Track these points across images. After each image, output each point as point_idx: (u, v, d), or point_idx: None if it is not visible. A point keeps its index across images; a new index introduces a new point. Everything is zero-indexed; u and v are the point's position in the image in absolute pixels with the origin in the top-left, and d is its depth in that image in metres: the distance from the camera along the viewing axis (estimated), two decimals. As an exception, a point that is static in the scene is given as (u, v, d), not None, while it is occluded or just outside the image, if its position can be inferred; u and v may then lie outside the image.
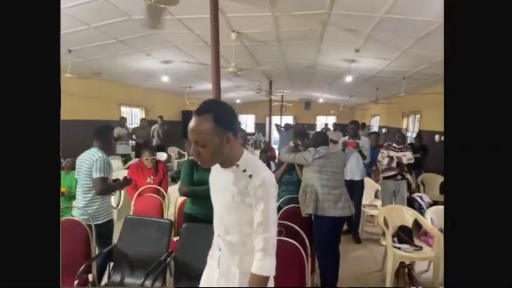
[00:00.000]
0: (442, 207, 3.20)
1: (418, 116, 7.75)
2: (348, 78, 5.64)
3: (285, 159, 2.85)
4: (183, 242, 2.06)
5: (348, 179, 3.29)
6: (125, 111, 8.17)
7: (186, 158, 8.40)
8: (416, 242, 2.90)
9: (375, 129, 11.26)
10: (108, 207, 2.45)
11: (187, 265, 1.96)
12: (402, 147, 3.71)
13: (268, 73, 7.04)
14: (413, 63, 4.77)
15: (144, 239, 2.18)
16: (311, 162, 2.58)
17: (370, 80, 6.42)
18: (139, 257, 2.14)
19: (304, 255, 1.83)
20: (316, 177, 2.56)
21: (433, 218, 3.02)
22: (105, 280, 2.33)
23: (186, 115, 10.93)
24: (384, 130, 10.24)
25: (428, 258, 2.86)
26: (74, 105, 5.72)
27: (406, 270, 2.87)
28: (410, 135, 8.00)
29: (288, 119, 12.10)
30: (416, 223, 3.07)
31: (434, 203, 3.95)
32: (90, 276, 2.16)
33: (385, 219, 3.00)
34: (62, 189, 3.10)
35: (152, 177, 3.22)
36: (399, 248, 2.77)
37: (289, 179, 3.03)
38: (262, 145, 12.12)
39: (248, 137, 10.56)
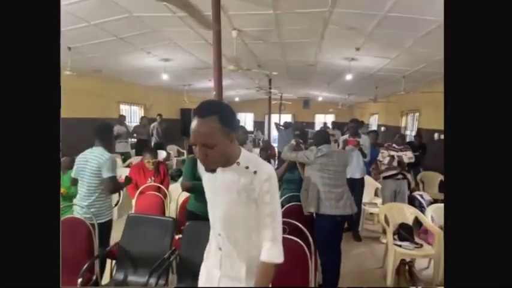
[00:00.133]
0: (441, 205, 3.23)
1: (417, 114, 7.79)
2: (348, 77, 5.65)
3: (288, 158, 2.86)
4: (186, 240, 2.06)
5: (348, 177, 3.29)
6: (124, 109, 8.14)
7: (185, 156, 8.40)
8: (417, 240, 2.93)
9: (374, 127, 11.30)
10: (110, 206, 2.46)
11: (190, 263, 1.96)
12: (402, 148, 3.73)
13: (268, 71, 7.03)
14: (413, 62, 4.78)
15: (147, 237, 2.18)
16: (313, 160, 2.59)
17: (370, 79, 6.43)
18: (142, 255, 2.14)
19: (308, 253, 1.84)
20: (318, 175, 2.57)
21: (433, 216, 3.05)
22: (104, 278, 2.33)
23: (185, 113, 10.90)
24: (382, 128, 10.28)
25: (429, 256, 2.88)
26: (72, 103, 5.69)
27: (407, 267, 2.89)
28: (409, 134, 8.04)
29: (287, 118, 12.10)
30: (417, 221, 3.10)
31: (434, 200, 3.97)
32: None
33: (385, 217, 3.02)
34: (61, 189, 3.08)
35: (153, 178, 3.26)
36: (400, 246, 2.79)
37: (290, 177, 3.05)
38: (261, 143, 12.15)
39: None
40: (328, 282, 2.54)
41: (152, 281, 1.93)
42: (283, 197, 2.89)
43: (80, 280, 1.91)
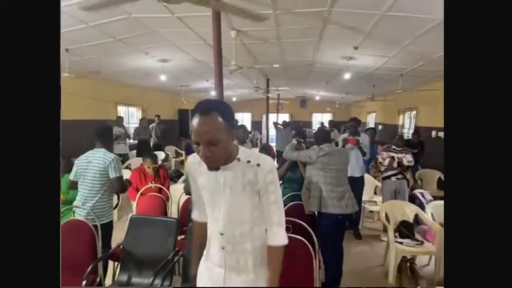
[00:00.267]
0: (441, 202, 3.25)
1: (414, 112, 7.83)
2: (346, 76, 5.67)
3: (289, 157, 2.87)
4: (190, 241, 2.06)
5: (348, 175, 3.31)
6: (121, 110, 8.11)
7: (183, 157, 8.38)
8: (417, 236, 2.95)
9: (371, 126, 11.34)
10: (111, 208, 2.47)
11: (195, 264, 1.97)
12: (402, 150, 3.75)
13: (266, 71, 7.03)
14: (411, 60, 4.81)
15: (150, 238, 2.18)
16: (315, 160, 2.59)
17: (367, 77, 6.46)
18: (146, 257, 2.14)
19: (312, 252, 1.85)
20: (319, 174, 2.58)
21: (433, 213, 3.07)
22: (107, 280, 2.32)
23: (183, 114, 10.86)
24: (380, 127, 10.33)
25: (430, 253, 2.91)
26: (70, 105, 5.65)
27: (408, 264, 2.91)
28: (407, 132, 8.09)
29: (284, 117, 12.10)
30: (415, 220, 3.12)
31: (433, 198, 4.00)
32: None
33: (386, 215, 3.04)
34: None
35: (154, 182, 3.27)
36: (401, 243, 2.81)
37: (292, 176, 3.05)
38: (259, 143, 12.14)
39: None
40: (330, 281, 2.55)
41: (157, 282, 1.93)
42: (285, 196, 2.90)
43: (84, 282, 1.90)
